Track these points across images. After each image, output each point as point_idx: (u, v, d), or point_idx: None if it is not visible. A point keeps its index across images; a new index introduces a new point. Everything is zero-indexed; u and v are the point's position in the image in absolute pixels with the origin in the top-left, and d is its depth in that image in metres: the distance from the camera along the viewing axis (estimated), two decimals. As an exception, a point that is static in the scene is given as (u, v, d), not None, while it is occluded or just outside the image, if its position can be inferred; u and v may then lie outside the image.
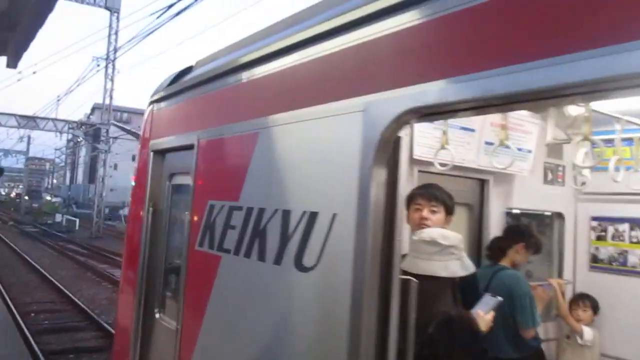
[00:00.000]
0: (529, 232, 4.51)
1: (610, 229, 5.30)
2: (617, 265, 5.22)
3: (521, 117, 4.56)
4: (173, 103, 4.33)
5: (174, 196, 4.43)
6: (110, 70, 43.42)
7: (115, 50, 43.00)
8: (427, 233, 2.84)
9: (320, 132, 2.59)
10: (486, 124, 4.38)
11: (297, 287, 2.61)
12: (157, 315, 4.38)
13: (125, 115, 72.62)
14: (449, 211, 3.42)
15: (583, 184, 5.25)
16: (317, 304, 2.50)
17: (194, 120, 3.92)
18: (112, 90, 43.83)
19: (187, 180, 4.01)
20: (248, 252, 3.01)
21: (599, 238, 5.39)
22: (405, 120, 2.19)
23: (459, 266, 2.72)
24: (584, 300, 5.15)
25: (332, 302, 2.39)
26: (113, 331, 10.68)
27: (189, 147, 3.90)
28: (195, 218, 3.69)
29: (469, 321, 2.70)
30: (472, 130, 4.28)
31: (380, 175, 2.25)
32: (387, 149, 2.25)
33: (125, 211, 51.86)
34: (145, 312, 4.45)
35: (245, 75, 3.27)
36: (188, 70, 4.52)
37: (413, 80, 2.10)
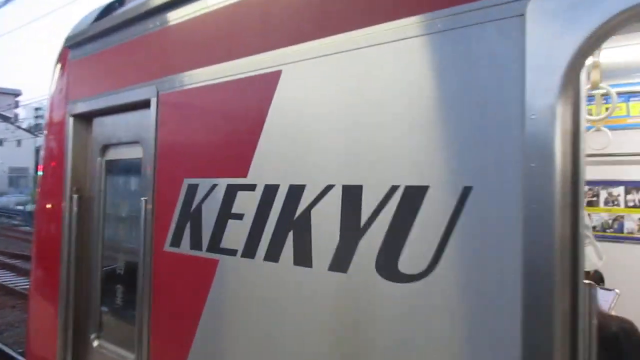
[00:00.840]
0: None
1: (603, 194, 4.87)
2: (612, 232, 4.81)
3: None
4: (106, 45, 3.07)
5: (112, 176, 3.21)
6: (-34, 42, 38.12)
7: (-28, 19, 37.87)
8: None
9: (426, 58, 1.62)
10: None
11: (388, 305, 1.65)
12: (95, 343, 3.17)
13: (-14, 94, 64.87)
14: None
15: None
16: (436, 337, 1.56)
17: (149, 66, 2.73)
18: (-30, 65, 38.45)
19: (136, 152, 2.85)
20: (273, 254, 1.99)
21: (589, 204, 4.94)
22: (614, 27, 1.30)
23: (595, 254, 1.91)
24: None
25: (472, 332, 1.47)
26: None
27: (140, 105, 2.73)
28: (161, 205, 2.57)
29: (636, 333, 1.92)
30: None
31: (565, 120, 1.35)
32: (575, 78, 1.35)
33: (-5, 201, 46.35)
34: (76, 337, 3.23)
35: None
36: (119, 1, 3.26)
37: None
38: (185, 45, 2.52)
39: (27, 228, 31.32)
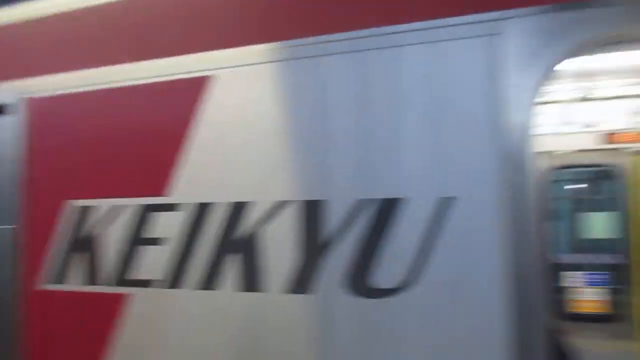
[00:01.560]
0: None
1: None
2: None
3: None
4: None
5: None
6: None
7: None
8: None
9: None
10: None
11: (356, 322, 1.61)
12: None
13: None
14: None
15: None
16: None
17: (10, 65, 2.18)
18: None
19: None
20: (209, 279, 1.78)
21: None
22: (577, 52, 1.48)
23: None
24: None
25: None
26: None
27: None
28: (29, 234, 2.10)
29: None
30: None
31: None
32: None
33: None
34: None
35: None
36: None
37: None
38: (49, 42, 2.09)
39: None
